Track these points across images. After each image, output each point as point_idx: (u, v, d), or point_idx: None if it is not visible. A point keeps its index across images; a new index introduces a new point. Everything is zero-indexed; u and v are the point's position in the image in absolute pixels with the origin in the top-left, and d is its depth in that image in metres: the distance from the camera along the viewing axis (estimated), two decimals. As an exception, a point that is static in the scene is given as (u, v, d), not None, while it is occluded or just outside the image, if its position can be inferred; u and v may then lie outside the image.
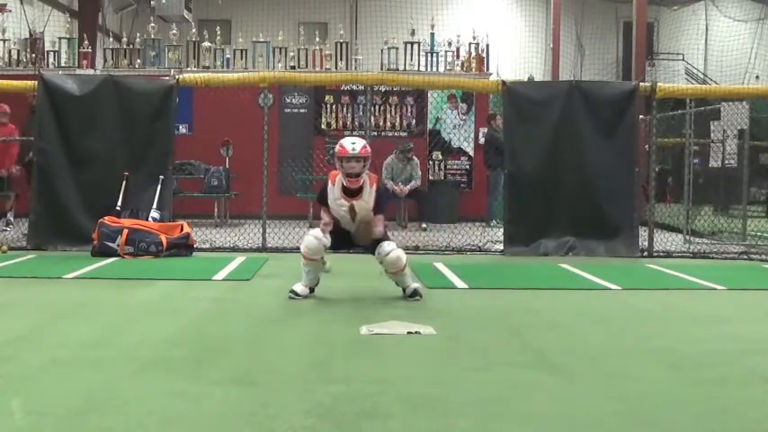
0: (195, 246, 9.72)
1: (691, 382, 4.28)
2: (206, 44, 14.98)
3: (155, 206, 9.79)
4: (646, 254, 10.03)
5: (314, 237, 6.50)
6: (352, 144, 6.51)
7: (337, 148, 6.55)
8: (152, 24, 15.46)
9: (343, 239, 6.62)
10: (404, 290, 6.66)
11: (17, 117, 11.57)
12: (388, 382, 4.11)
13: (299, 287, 6.58)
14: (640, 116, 11.52)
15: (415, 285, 6.72)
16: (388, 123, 14.76)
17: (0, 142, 11.27)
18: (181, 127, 13.63)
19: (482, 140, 14.40)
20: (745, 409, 3.77)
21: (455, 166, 15.09)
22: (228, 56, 15.03)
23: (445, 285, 7.53)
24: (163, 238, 9.22)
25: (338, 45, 15.17)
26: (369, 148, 6.59)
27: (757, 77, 26.97)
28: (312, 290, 6.65)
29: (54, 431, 3.36)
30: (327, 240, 6.49)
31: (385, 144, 13.36)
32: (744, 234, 11.92)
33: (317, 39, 15.84)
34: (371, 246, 6.59)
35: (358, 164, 6.45)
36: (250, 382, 4.10)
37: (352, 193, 6.51)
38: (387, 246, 6.56)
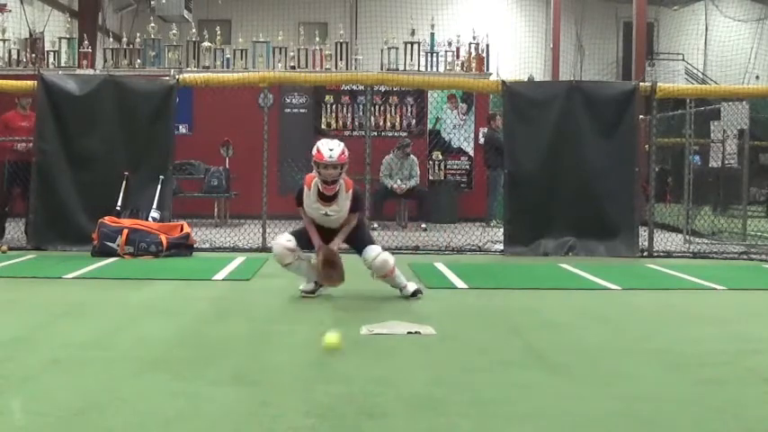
0: (195, 246, 9.72)
1: (691, 382, 4.28)
2: (206, 44, 14.97)
3: (155, 206, 9.79)
4: (646, 254, 10.03)
5: (276, 244, 6.59)
6: (330, 150, 6.28)
7: (314, 151, 6.33)
8: (152, 24, 15.46)
9: (325, 239, 6.59)
10: (401, 290, 6.65)
11: None
12: (388, 382, 4.11)
13: (304, 285, 6.65)
14: (640, 116, 11.51)
15: (413, 285, 6.71)
16: (388, 123, 14.76)
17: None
18: (181, 127, 13.63)
19: (482, 140, 14.40)
20: (745, 409, 3.77)
21: (455, 166, 15.08)
22: (228, 56, 15.03)
23: (445, 285, 7.53)
24: (163, 238, 9.22)
25: (338, 45, 15.16)
26: (346, 154, 6.39)
27: (757, 77, 26.98)
28: (316, 282, 6.65)
29: (54, 431, 3.36)
30: (292, 244, 6.49)
31: (385, 144, 13.37)
32: (744, 234, 11.92)
33: (317, 39, 15.83)
34: (357, 247, 6.62)
35: (335, 170, 6.29)
36: (250, 382, 4.10)
37: (327, 198, 6.43)
38: (372, 251, 6.54)
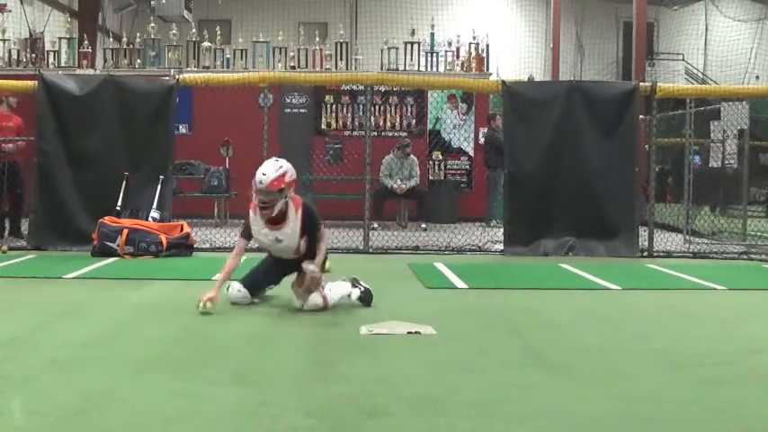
0: (195, 246, 9.72)
1: (691, 382, 4.28)
2: (206, 44, 14.97)
3: (155, 206, 9.79)
4: (646, 254, 10.03)
5: (231, 292, 6.21)
6: (263, 176, 5.88)
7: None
8: (152, 24, 15.46)
9: (282, 269, 6.27)
10: (348, 297, 6.23)
11: None
12: (388, 382, 4.11)
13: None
14: (640, 116, 11.52)
15: (356, 292, 6.21)
16: (388, 123, 14.76)
17: None
18: (181, 127, 13.63)
19: (482, 140, 14.40)
20: (745, 409, 3.77)
21: (455, 166, 15.08)
22: (228, 56, 15.03)
23: (445, 285, 7.53)
24: (163, 238, 9.22)
25: (338, 45, 15.16)
26: (287, 178, 5.91)
27: (757, 77, 26.99)
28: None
29: (54, 431, 3.36)
30: (241, 295, 6.15)
31: (385, 144, 13.37)
32: (744, 234, 11.92)
33: (317, 39, 15.83)
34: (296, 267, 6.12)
35: (271, 197, 5.89)
36: (250, 382, 4.10)
37: (274, 221, 6.05)
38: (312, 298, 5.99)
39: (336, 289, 6.21)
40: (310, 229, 6.13)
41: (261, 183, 5.91)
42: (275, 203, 5.96)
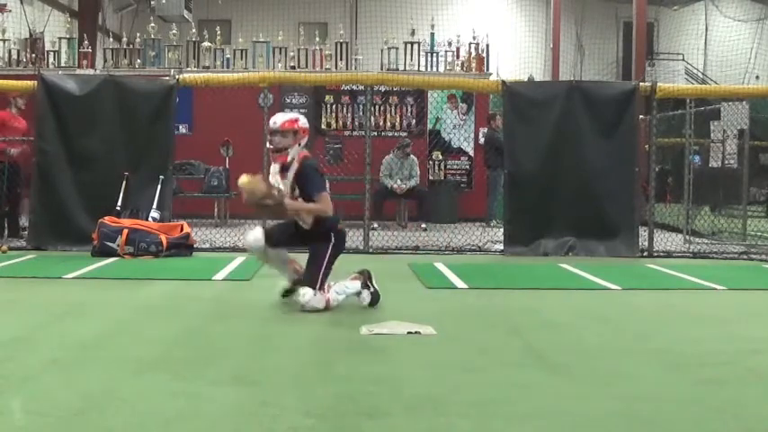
0: (195, 246, 9.73)
1: (691, 382, 4.28)
2: (206, 44, 14.97)
3: (155, 206, 9.79)
4: (646, 254, 10.03)
5: (249, 235, 6.31)
6: (276, 118, 6.15)
7: None
8: (152, 24, 15.45)
9: (299, 234, 6.18)
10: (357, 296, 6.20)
11: None
12: (388, 382, 4.11)
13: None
14: (640, 116, 11.52)
15: (367, 294, 6.14)
16: (388, 123, 14.76)
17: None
18: (181, 127, 13.62)
19: (482, 140, 14.40)
20: (745, 409, 3.77)
21: (455, 166, 15.08)
22: (228, 56, 15.02)
23: (445, 285, 7.53)
24: (163, 237, 9.22)
25: (338, 45, 15.15)
26: (299, 123, 6.11)
27: (757, 77, 26.98)
28: (292, 286, 6.25)
29: (54, 431, 3.36)
30: (258, 239, 6.16)
31: (385, 144, 13.37)
32: (744, 234, 11.92)
33: (317, 39, 15.83)
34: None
35: (284, 139, 6.03)
36: (250, 382, 4.10)
37: (282, 169, 6.12)
38: (303, 291, 5.98)
39: (343, 288, 6.18)
40: (303, 186, 6.06)
41: (274, 123, 6.11)
42: (289, 148, 6.05)
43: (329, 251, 6.10)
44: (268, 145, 6.18)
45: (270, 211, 6.16)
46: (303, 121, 6.19)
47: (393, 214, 13.44)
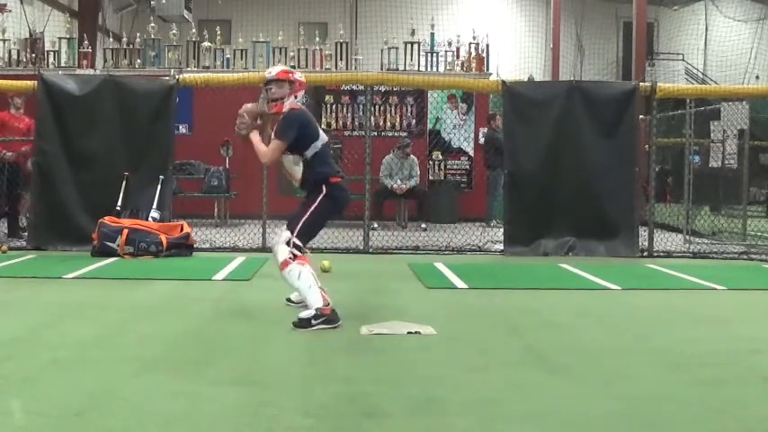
0: (195, 246, 9.72)
1: (691, 382, 4.28)
2: (206, 44, 14.97)
3: (155, 206, 9.78)
4: (646, 254, 10.03)
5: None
6: (272, 68, 6.22)
7: None
8: (152, 24, 15.46)
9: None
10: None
11: None
12: (388, 382, 4.11)
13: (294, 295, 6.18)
14: (640, 116, 11.51)
15: (310, 312, 5.44)
16: (388, 123, 14.76)
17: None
18: (181, 127, 13.63)
19: (482, 140, 14.40)
20: (745, 409, 3.77)
21: (455, 166, 15.08)
22: (228, 56, 15.03)
23: (445, 285, 7.53)
24: (163, 237, 9.22)
25: (338, 45, 15.16)
26: (294, 75, 6.04)
27: (757, 77, 26.97)
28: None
29: (54, 431, 3.36)
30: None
31: (385, 144, 13.37)
32: (744, 234, 11.92)
33: (317, 39, 15.83)
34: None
35: (280, 89, 5.93)
36: (250, 382, 4.10)
37: (275, 121, 6.06)
38: (278, 235, 5.85)
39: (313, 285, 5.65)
40: (277, 129, 5.92)
41: (270, 73, 6.09)
42: (284, 98, 5.96)
43: (317, 202, 5.86)
44: (263, 94, 6.06)
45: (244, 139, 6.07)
46: (298, 75, 6.13)
47: (393, 214, 13.44)
